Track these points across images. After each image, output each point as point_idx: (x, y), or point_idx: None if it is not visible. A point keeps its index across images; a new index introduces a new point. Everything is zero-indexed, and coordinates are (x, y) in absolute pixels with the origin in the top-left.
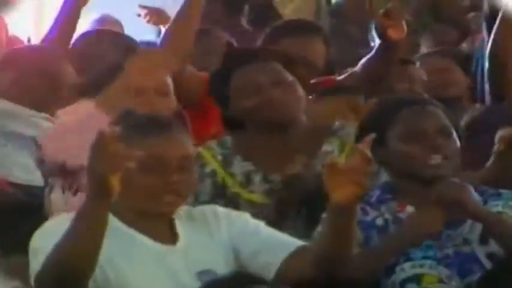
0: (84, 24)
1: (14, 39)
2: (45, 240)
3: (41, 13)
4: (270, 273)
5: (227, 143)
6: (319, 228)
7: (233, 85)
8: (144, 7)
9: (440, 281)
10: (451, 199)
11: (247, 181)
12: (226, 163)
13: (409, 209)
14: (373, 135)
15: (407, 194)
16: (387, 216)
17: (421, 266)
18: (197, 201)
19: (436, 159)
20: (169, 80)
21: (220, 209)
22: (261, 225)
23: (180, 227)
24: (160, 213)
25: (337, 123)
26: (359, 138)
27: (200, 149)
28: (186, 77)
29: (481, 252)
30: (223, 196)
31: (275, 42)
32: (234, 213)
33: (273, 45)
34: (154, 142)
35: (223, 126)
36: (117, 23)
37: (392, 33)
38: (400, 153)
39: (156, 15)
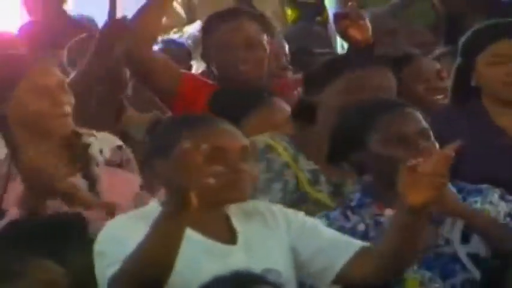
0: None
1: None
2: (111, 245)
3: None
4: (331, 273)
5: (285, 138)
6: (386, 229)
7: (338, 81)
8: None
9: (423, 283)
10: None
11: (315, 180)
12: (295, 158)
13: (388, 212)
14: (458, 142)
15: (388, 196)
16: (368, 221)
17: None
18: (269, 192)
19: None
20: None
21: (274, 206)
22: (319, 223)
23: (237, 223)
24: (234, 200)
25: None
26: (334, 142)
27: (267, 139)
28: (161, 63)
29: (462, 252)
30: (296, 190)
31: None
32: (290, 211)
33: None
34: (214, 134)
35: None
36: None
37: (355, 33)
38: (383, 157)
39: None
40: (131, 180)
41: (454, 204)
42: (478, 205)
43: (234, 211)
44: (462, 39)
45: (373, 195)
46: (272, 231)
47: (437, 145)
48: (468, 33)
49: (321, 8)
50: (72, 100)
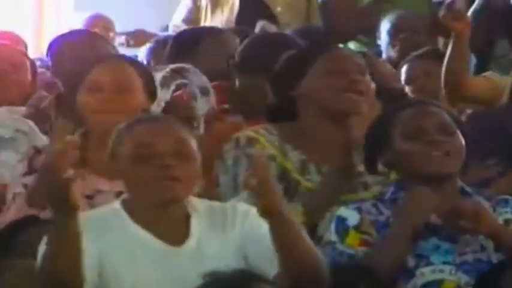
0: (77, 22)
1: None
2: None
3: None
4: None
5: (272, 131)
6: None
7: (315, 67)
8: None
9: (459, 287)
10: (469, 212)
11: (303, 169)
12: (282, 149)
13: None
14: None
15: None
16: None
17: (441, 271)
18: None
19: (437, 155)
20: (135, 77)
21: (241, 205)
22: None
23: (197, 225)
24: (164, 201)
25: None
26: (366, 141)
27: (249, 133)
28: None
29: (496, 260)
30: (284, 180)
31: None
32: (254, 211)
33: None
34: (141, 131)
35: (267, 114)
36: (109, 21)
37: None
38: (402, 152)
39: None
40: None
41: (492, 224)
42: (509, 215)
43: (199, 211)
44: None
45: (405, 189)
46: (226, 229)
47: (461, 141)
48: None
49: None
50: (137, 102)
